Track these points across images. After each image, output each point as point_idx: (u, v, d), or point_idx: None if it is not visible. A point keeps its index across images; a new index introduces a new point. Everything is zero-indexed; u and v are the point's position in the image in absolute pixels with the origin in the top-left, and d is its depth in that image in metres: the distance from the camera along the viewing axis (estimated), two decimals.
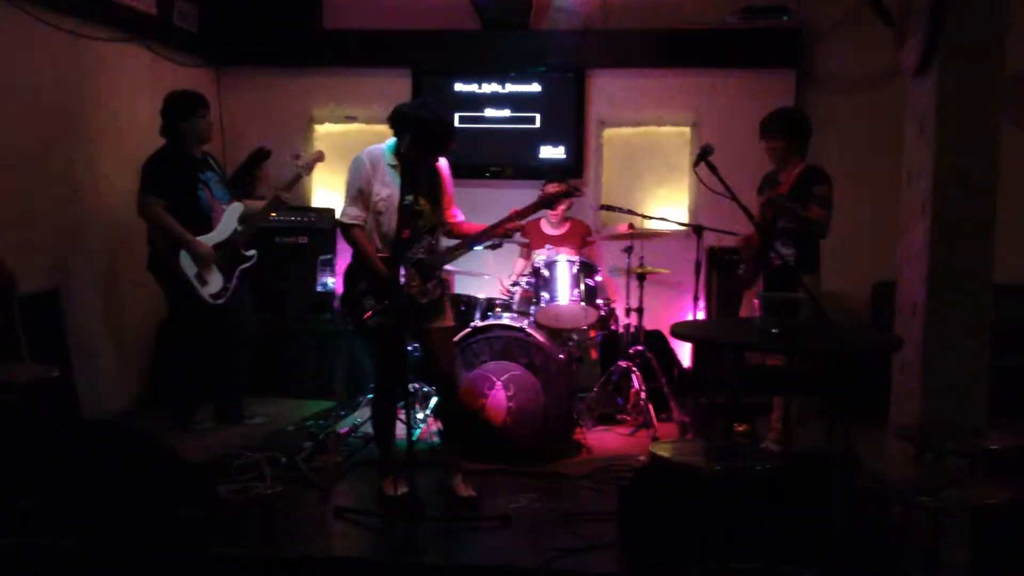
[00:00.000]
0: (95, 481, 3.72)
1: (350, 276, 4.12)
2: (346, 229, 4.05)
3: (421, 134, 3.91)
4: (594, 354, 5.84)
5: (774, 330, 3.06)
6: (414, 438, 4.29)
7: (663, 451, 2.99)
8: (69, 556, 3.54)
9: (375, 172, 4.01)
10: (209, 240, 4.97)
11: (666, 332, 6.03)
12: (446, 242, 4.24)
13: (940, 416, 3.40)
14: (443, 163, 4.15)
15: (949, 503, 2.46)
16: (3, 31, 4.64)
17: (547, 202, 4.29)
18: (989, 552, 2.86)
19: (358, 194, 4.02)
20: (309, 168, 5.33)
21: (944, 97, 3.57)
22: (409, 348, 4.86)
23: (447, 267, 4.39)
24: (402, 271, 3.90)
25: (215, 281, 5.00)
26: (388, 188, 3.98)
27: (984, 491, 2.52)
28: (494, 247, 4.37)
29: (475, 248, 4.24)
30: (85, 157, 5.37)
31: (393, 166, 4.02)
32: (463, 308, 5.32)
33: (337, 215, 4.30)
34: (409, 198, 3.82)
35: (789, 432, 3.80)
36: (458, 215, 4.26)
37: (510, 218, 4.02)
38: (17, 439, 3.78)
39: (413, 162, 3.97)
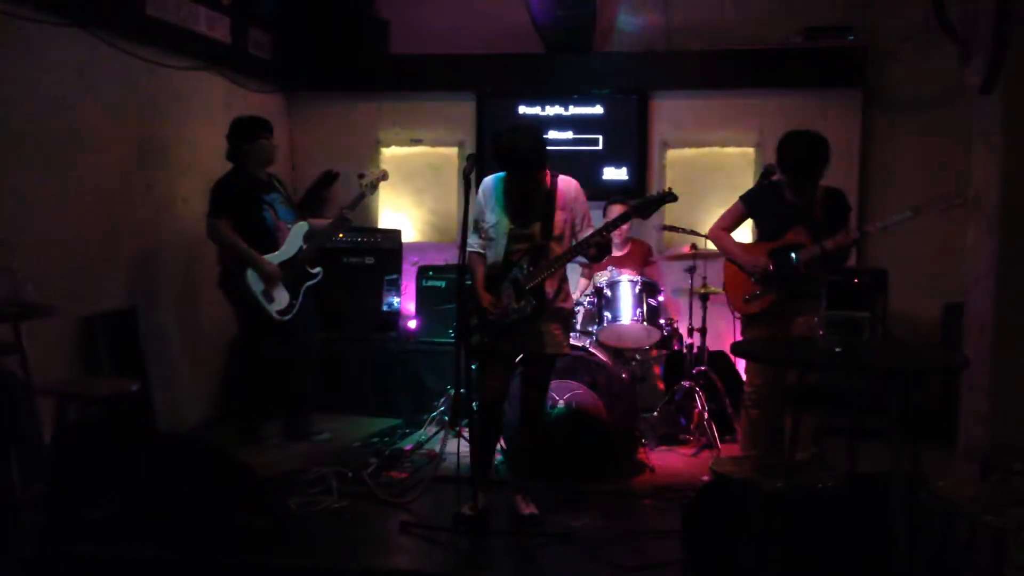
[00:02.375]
0: (170, 491, 3.85)
1: (462, 300, 4.24)
2: (466, 256, 4.15)
3: (498, 159, 4.02)
4: (657, 374, 5.84)
5: (837, 349, 3.06)
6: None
7: (724, 468, 3.00)
8: (142, 565, 3.67)
9: (486, 201, 4.16)
10: (274, 259, 5.12)
11: (729, 353, 6.01)
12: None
13: (1008, 437, 3.35)
14: (566, 186, 4.17)
15: (1014, 522, 2.43)
16: (88, 62, 4.86)
17: (640, 212, 4.12)
18: None
19: (474, 224, 4.17)
20: (373, 187, 5.46)
21: (1010, 115, 3.55)
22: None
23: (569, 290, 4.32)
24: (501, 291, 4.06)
25: (281, 298, 5.15)
26: (495, 215, 4.13)
27: None
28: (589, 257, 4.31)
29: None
30: (164, 181, 5.58)
31: (502, 192, 4.13)
32: None
33: None
34: (511, 224, 4.02)
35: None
36: None
37: (598, 232, 4.02)
38: (97, 450, 3.94)
39: (515, 187, 4.08)
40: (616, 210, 5.85)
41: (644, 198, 4.12)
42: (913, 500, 2.90)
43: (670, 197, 4.07)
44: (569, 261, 4.13)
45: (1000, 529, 2.53)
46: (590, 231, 4.14)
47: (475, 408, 4.36)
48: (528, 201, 4.11)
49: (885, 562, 2.98)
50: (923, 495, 2.82)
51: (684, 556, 3.71)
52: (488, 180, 4.21)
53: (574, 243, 4.12)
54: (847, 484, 3.15)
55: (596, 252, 4.08)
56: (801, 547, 3.15)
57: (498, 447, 4.95)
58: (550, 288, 4.11)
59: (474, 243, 4.18)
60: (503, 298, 4.07)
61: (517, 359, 4.33)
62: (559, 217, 4.11)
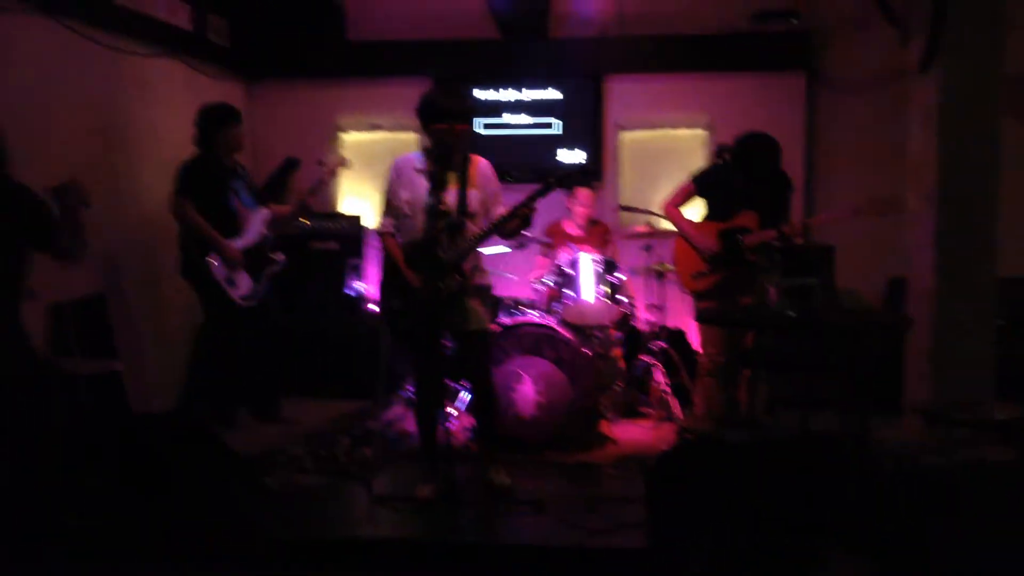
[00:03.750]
0: (155, 468, 3.93)
1: (384, 283, 4.29)
2: (380, 238, 4.26)
3: (425, 111, 4.06)
4: (617, 351, 6.01)
5: (790, 313, 3.26)
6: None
7: (689, 425, 3.18)
8: (136, 537, 3.76)
9: (399, 178, 4.17)
10: (237, 244, 5.20)
11: (686, 329, 6.22)
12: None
13: (948, 394, 3.58)
14: (479, 164, 4.24)
15: (959, 461, 2.64)
16: (50, 47, 4.88)
17: (564, 182, 4.21)
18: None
19: (387, 204, 4.23)
20: (332, 173, 5.54)
21: (947, 92, 3.77)
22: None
23: (485, 266, 4.39)
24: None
25: (243, 283, 5.22)
26: (409, 192, 4.14)
27: (991, 451, 2.69)
28: (520, 246, 4.38)
29: (495, 243, 4.21)
30: (128, 169, 5.61)
31: (419, 170, 4.16)
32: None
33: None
34: (431, 199, 4.01)
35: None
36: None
37: (522, 204, 4.00)
38: (81, 430, 4.00)
39: (439, 161, 4.08)
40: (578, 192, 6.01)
41: (563, 170, 4.25)
42: (862, 452, 3.11)
43: (588, 169, 4.17)
44: (490, 235, 4.11)
45: (943, 468, 2.73)
46: (496, 209, 4.19)
47: (415, 392, 4.36)
48: (447, 166, 4.08)
49: (838, 509, 3.18)
50: (871, 446, 3.03)
51: (648, 517, 3.88)
52: (403, 157, 4.22)
53: (491, 221, 4.11)
54: (801, 440, 3.35)
55: (518, 224, 4.08)
56: (760, 497, 3.34)
57: (467, 426, 5.13)
58: (468, 265, 4.13)
59: (387, 224, 4.22)
60: (425, 276, 4.05)
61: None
62: (472, 195, 4.14)
